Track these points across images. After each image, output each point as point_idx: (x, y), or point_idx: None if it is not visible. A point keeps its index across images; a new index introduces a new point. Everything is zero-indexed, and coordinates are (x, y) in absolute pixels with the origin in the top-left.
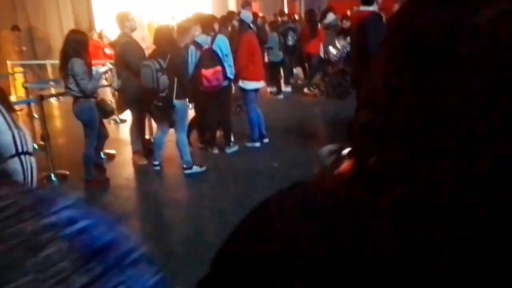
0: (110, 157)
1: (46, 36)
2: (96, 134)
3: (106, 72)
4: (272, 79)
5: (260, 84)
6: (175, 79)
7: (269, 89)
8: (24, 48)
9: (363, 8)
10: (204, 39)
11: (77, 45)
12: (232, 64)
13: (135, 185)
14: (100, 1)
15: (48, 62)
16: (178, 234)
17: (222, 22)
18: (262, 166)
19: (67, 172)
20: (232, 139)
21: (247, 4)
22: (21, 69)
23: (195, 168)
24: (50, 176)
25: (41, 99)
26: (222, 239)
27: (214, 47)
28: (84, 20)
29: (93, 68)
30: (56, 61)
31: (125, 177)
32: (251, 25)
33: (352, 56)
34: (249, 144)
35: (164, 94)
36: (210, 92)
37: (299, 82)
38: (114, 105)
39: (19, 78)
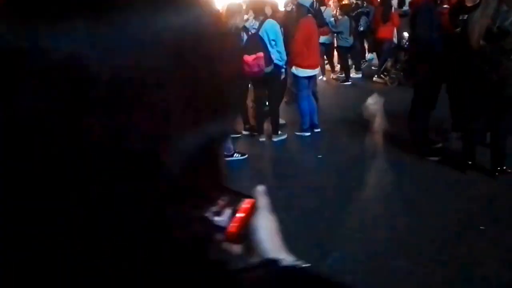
0: None
1: None
2: None
3: None
4: (341, 65)
5: (313, 72)
6: None
7: (334, 76)
8: None
9: None
10: (251, 24)
11: None
12: (281, 49)
13: None
14: None
15: None
16: None
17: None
18: (305, 157)
19: None
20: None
21: None
22: None
23: (236, 156)
24: None
25: None
26: None
27: (261, 32)
28: None
29: None
30: None
31: None
32: (310, 8)
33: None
34: (299, 133)
35: None
36: (255, 78)
37: (373, 68)
38: None
39: None
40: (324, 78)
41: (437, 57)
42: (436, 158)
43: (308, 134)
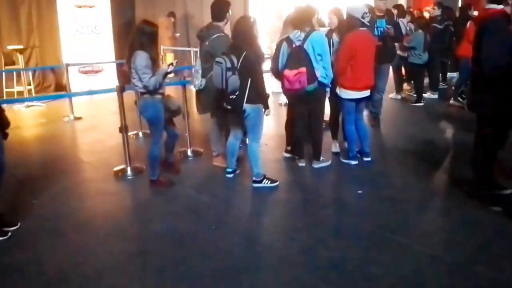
0: (198, 154)
1: (201, 23)
2: (160, 133)
3: (171, 67)
4: (414, 84)
5: (359, 95)
6: (249, 80)
7: (395, 96)
8: (177, 34)
9: (489, 5)
10: (295, 35)
11: (144, 37)
12: (328, 65)
13: (199, 190)
14: None
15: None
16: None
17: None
18: (341, 191)
19: (143, 167)
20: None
21: None
22: (171, 54)
23: (265, 183)
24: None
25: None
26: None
27: (306, 44)
28: (239, 10)
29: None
30: None
31: (195, 181)
32: (363, 20)
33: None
34: (345, 161)
35: (234, 96)
36: (296, 95)
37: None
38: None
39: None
40: (399, 96)
41: (508, 86)
42: (499, 209)
43: (355, 163)
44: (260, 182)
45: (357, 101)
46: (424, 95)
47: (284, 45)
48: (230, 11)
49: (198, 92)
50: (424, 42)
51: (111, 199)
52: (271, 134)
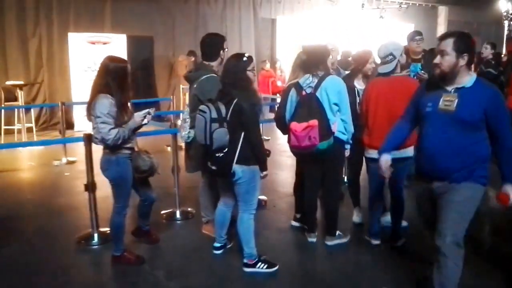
0: (188, 216)
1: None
2: (126, 198)
3: (145, 116)
4: None
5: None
6: (241, 134)
7: None
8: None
9: None
10: (306, 81)
11: (110, 76)
12: (347, 118)
13: (171, 274)
14: (285, 31)
15: None
16: None
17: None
18: (362, 283)
19: None
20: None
21: (417, 34)
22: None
23: (260, 267)
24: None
25: None
26: None
27: (319, 92)
28: (266, 48)
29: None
30: None
31: (172, 258)
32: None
33: None
34: (367, 238)
35: (220, 155)
36: (304, 154)
37: None
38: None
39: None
40: None
41: None
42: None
43: (377, 242)
44: (254, 265)
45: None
46: None
47: (293, 91)
48: (225, 48)
49: (188, 145)
50: None
51: (53, 282)
52: (282, 192)
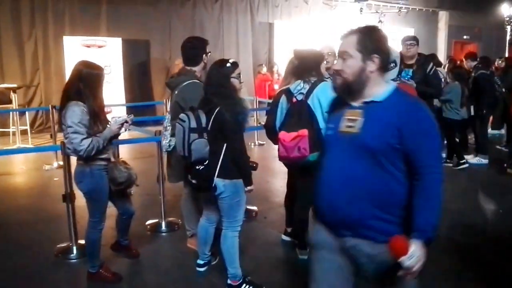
0: (174, 228)
1: None
2: (102, 212)
3: (125, 126)
4: (447, 143)
5: None
6: (224, 145)
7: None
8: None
9: None
10: (297, 87)
11: (83, 82)
12: None
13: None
14: (282, 35)
15: None
16: None
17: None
18: None
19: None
20: None
21: (409, 39)
22: None
23: None
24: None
25: None
26: None
27: (311, 99)
28: (263, 52)
29: (113, 119)
30: None
31: (150, 276)
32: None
33: None
34: None
35: (200, 167)
36: (294, 167)
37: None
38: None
39: None
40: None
41: None
42: None
43: None
44: (238, 287)
45: None
46: (471, 160)
47: (283, 98)
48: (209, 52)
49: (169, 154)
50: (462, 96)
51: None
52: (274, 202)
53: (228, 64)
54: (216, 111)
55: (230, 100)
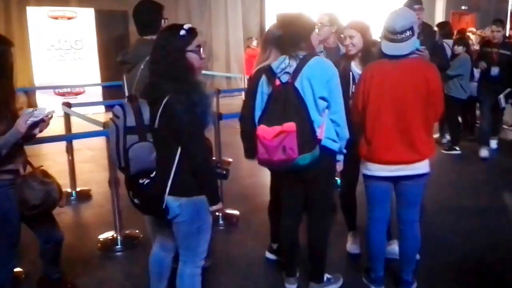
0: (134, 244)
1: (208, 42)
2: (11, 246)
3: (37, 125)
4: (448, 124)
5: (392, 170)
6: (177, 149)
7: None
8: None
9: None
10: (280, 64)
11: None
12: (340, 118)
13: None
14: (275, 5)
15: (204, 72)
16: None
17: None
18: None
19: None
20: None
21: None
22: None
23: None
24: None
25: None
26: None
27: (299, 81)
28: (254, 24)
29: (28, 110)
30: (216, 73)
31: None
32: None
33: None
34: (365, 281)
35: (145, 181)
36: (278, 171)
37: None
38: None
39: None
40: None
41: None
42: None
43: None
44: None
45: (393, 180)
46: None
47: (264, 80)
48: (165, 18)
49: None
50: (471, 71)
51: None
52: (260, 203)
53: (183, 32)
54: (164, 101)
55: (184, 85)
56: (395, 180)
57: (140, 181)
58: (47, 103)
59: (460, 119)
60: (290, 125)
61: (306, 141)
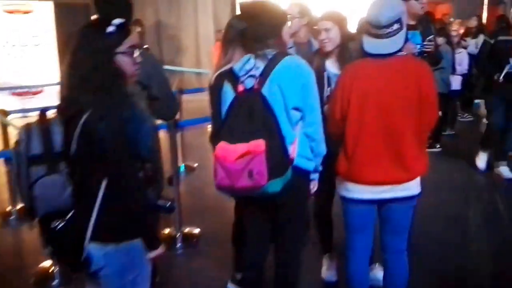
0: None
1: (177, 34)
2: None
3: None
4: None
5: (376, 192)
6: (103, 181)
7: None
8: (146, 46)
9: None
10: (244, 65)
11: None
12: (317, 131)
13: None
14: None
15: (171, 68)
16: None
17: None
18: None
19: None
20: None
21: None
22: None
23: None
24: None
25: None
26: None
27: (267, 86)
28: (225, 17)
29: None
30: (185, 68)
31: None
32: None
33: None
34: None
35: (59, 225)
36: (243, 197)
37: None
38: None
39: None
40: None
41: None
42: None
43: None
44: None
45: (377, 204)
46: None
47: (227, 86)
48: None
49: None
50: (452, 63)
51: None
52: (225, 216)
53: (111, 28)
54: (83, 119)
55: (110, 97)
56: (380, 203)
57: (52, 224)
58: (3, 105)
59: (440, 113)
60: (258, 144)
61: (277, 163)
